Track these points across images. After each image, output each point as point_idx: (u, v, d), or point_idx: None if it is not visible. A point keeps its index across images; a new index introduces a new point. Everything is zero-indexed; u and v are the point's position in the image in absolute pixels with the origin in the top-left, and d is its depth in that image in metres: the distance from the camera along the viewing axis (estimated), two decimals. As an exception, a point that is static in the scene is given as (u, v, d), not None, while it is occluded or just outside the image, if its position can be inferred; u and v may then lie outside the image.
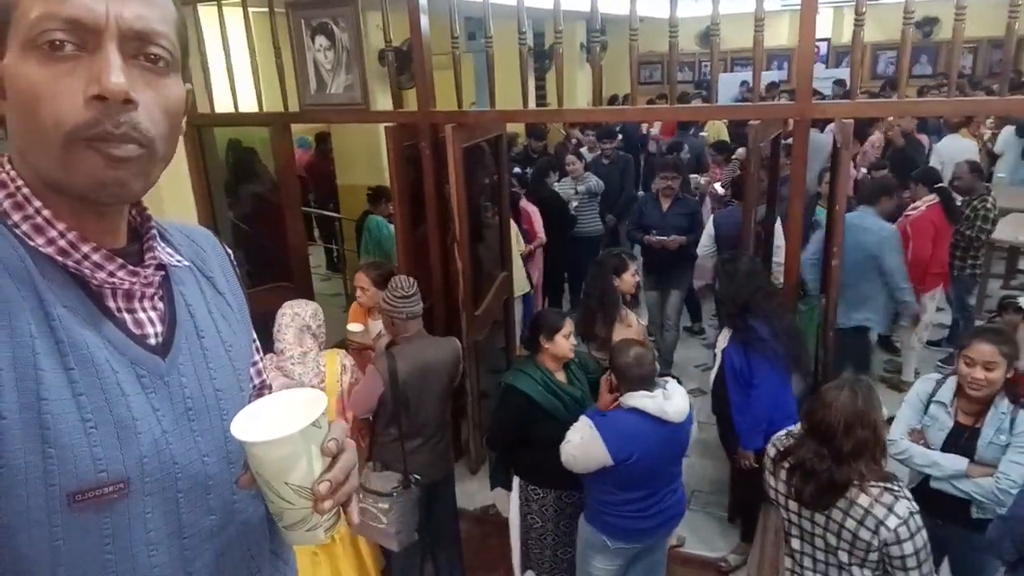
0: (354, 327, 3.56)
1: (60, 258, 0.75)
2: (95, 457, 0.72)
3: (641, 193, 6.45)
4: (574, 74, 10.27)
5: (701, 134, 8.40)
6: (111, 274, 0.78)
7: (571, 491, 2.79)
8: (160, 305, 0.85)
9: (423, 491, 2.87)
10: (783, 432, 2.32)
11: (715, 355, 3.41)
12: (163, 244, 0.87)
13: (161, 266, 0.85)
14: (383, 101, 4.83)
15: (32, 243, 0.74)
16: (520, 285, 4.82)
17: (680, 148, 6.87)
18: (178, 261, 0.88)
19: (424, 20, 3.46)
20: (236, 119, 4.02)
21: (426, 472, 2.85)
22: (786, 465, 2.17)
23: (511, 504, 2.95)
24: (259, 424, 0.78)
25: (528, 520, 2.88)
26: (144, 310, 0.82)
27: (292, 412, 0.78)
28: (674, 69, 3.34)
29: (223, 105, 3.95)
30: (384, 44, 3.65)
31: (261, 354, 1.07)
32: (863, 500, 2.00)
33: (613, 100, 9.18)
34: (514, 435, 2.78)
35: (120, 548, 0.75)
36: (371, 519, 2.77)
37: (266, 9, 3.69)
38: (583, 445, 2.49)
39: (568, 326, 2.76)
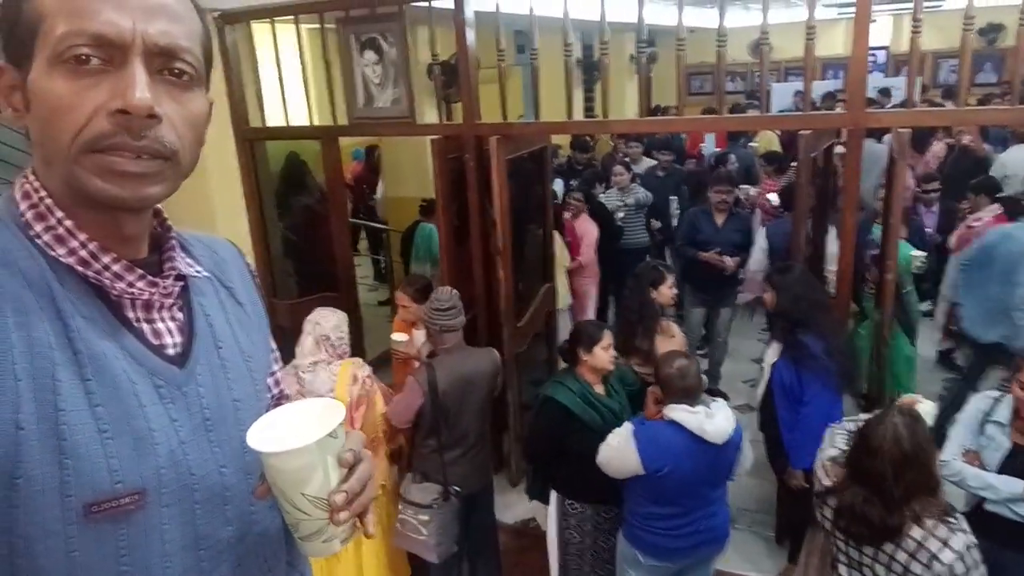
0: (398, 337, 3.59)
1: (81, 268, 0.76)
2: (111, 468, 0.72)
3: (673, 199, 6.25)
4: (623, 85, 10.21)
5: (751, 145, 8.24)
6: (130, 284, 0.79)
7: (610, 506, 2.75)
8: (179, 315, 0.85)
9: (462, 502, 2.87)
10: (833, 451, 2.24)
11: (762, 369, 3.32)
12: (183, 255, 0.88)
13: (181, 276, 0.86)
14: (431, 114, 4.89)
15: (53, 253, 0.75)
16: (559, 298, 4.76)
17: (726, 160, 6.75)
18: (197, 272, 0.88)
19: (471, 34, 3.49)
20: (287, 132, 4.12)
21: (465, 483, 2.85)
22: (832, 504, 2.08)
23: (549, 518, 2.92)
24: (275, 434, 0.78)
25: (566, 535, 2.85)
26: (163, 320, 0.83)
27: (309, 422, 0.78)
28: (722, 79, 3.29)
29: (275, 119, 4.05)
30: (431, 58, 3.69)
31: (280, 364, 1.07)
32: (916, 533, 1.90)
33: (655, 111, 9.08)
34: (551, 447, 2.75)
35: (136, 559, 0.75)
36: (411, 531, 2.78)
37: (317, 25, 3.78)
38: (617, 448, 2.49)
39: (607, 338, 2.74)
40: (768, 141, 8.26)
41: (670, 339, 3.30)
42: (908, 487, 1.90)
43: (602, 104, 3.42)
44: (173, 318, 0.84)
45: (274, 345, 1.04)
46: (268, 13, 3.80)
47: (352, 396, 2.82)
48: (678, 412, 2.44)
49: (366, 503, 0.80)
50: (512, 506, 3.79)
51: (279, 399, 1.04)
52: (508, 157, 3.51)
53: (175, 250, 0.86)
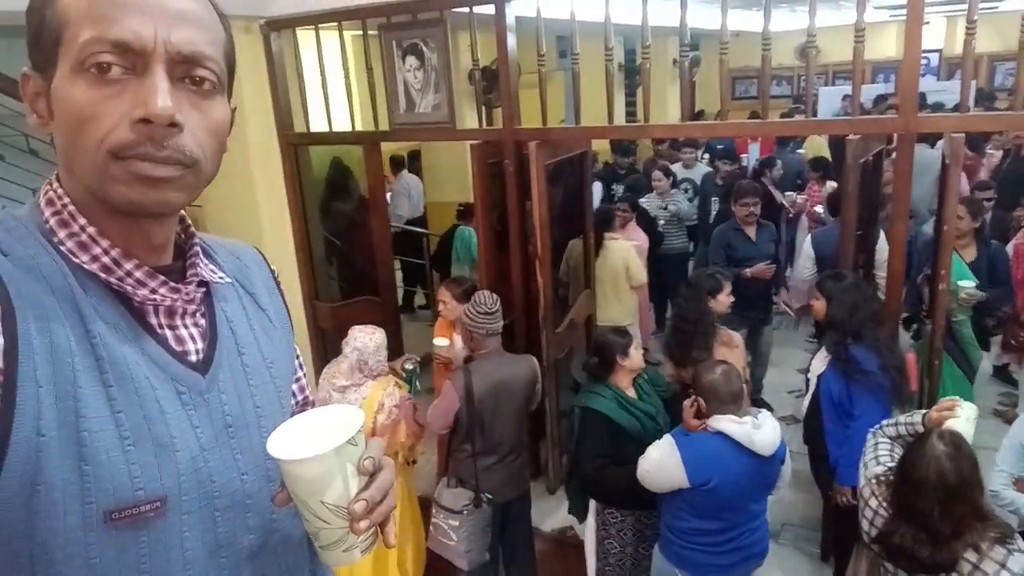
0: (440, 341, 3.59)
1: (103, 275, 0.76)
2: (132, 475, 0.72)
3: (714, 200, 6.04)
4: (665, 90, 10.10)
5: (799, 151, 8.06)
6: (153, 291, 0.79)
7: (651, 511, 2.69)
8: (202, 322, 0.85)
9: (496, 510, 2.85)
10: (879, 468, 2.14)
11: (807, 380, 3.23)
12: (206, 261, 0.87)
13: (203, 283, 0.86)
14: (471, 119, 4.90)
15: (76, 260, 0.75)
16: (622, 315, 4.60)
17: (772, 165, 6.62)
18: (220, 278, 0.88)
19: (512, 40, 3.49)
20: (330, 138, 4.17)
21: (499, 491, 2.83)
22: (876, 549, 1.99)
23: (587, 527, 2.88)
24: (295, 441, 0.77)
25: (606, 545, 2.80)
26: (186, 327, 0.83)
27: (329, 429, 0.77)
28: (767, 83, 3.21)
29: (319, 124, 4.10)
30: (472, 63, 3.70)
31: (304, 370, 1.06)
32: (970, 555, 1.82)
33: (698, 116, 8.95)
34: (604, 455, 2.65)
35: (156, 567, 0.75)
36: (441, 535, 2.78)
37: (360, 32, 3.82)
38: (660, 461, 2.42)
39: (633, 338, 2.73)
40: (817, 147, 8.07)
41: (733, 349, 3.20)
42: (957, 522, 1.82)
43: (643, 108, 3.38)
44: (196, 324, 0.84)
45: (298, 351, 1.04)
46: (312, 20, 3.85)
47: (376, 424, 2.78)
48: (724, 422, 2.38)
49: (386, 512, 0.78)
50: (549, 514, 3.76)
51: (304, 405, 1.03)
52: (548, 162, 3.49)
53: (198, 256, 0.86)
